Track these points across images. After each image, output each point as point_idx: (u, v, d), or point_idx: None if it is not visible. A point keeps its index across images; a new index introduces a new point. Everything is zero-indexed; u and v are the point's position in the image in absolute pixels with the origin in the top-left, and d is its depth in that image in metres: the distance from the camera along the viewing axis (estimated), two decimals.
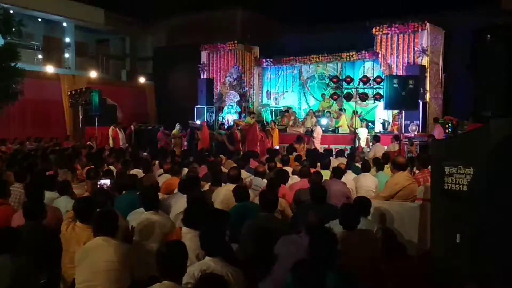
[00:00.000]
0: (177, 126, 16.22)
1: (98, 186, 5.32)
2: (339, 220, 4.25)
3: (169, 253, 3.05)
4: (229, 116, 18.02)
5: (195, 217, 4.19)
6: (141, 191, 4.89)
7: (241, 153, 12.25)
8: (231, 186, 6.06)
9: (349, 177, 7.52)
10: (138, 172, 8.11)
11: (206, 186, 6.62)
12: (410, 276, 5.34)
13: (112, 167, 8.63)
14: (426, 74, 14.21)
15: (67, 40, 22.23)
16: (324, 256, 3.39)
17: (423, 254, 5.98)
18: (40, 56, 21.38)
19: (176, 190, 6.61)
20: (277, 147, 13.93)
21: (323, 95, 17.58)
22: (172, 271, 2.99)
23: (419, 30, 14.29)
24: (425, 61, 14.26)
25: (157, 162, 9.68)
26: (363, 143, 14.00)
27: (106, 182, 5.42)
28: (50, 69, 19.67)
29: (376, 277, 4.05)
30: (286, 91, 19.00)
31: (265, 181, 6.90)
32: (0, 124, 16.09)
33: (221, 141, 15.43)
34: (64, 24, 21.85)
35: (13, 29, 14.28)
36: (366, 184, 7.41)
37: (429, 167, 6.96)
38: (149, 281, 3.88)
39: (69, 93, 18.77)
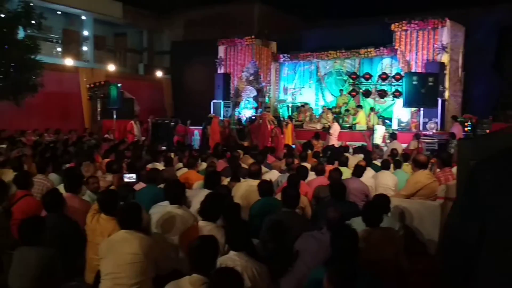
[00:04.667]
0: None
1: (124, 180, 5.37)
2: (362, 217, 4.24)
3: (201, 248, 3.07)
4: (246, 111, 18.03)
5: (213, 210, 4.22)
6: (166, 185, 4.92)
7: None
8: (251, 182, 6.08)
9: (368, 174, 7.50)
10: (156, 166, 8.15)
11: (225, 181, 6.64)
12: (430, 275, 5.32)
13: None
14: (445, 72, 14.05)
15: (86, 33, 22.37)
16: (346, 252, 3.39)
17: None
18: (59, 49, 21.53)
19: (195, 184, 6.68)
20: (294, 146, 13.81)
21: (341, 90, 17.49)
22: (202, 265, 3.01)
23: (439, 26, 14.12)
24: (444, 58, 14.10)
25: (173, 155, 9.76)
26: (379, 141, 13.91)
27: (132, 176, 5.46)
28: (69, 62, 19.81)
29: (398, 275, 4.04)
30: (303, 87, 18.95)
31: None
32: (20, 116, 16.28)
33: (232, 136, 15.48)
34: (83, 17, 21.98)
35: (34, 22, 14.42)
36: (385, 182, 7.38)
37: (452, 165, 6.95)
38: (171, 275, 3.94)
39: (87, 86, 18.92)
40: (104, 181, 6.56)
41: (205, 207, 4.27)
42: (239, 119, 17.29)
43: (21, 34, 14.61)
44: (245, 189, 5.87)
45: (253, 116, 17.18)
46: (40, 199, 4.82)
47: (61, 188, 5.35)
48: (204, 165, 8.30)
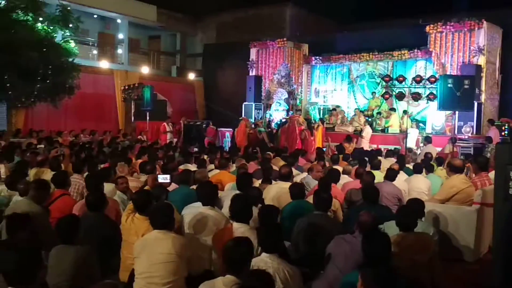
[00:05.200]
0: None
1: (158, 181, 5.47)
2: (397, 221, 4.18)
3: (235, 249, 3.10)
4: (277, 113, 18.05)
5: (243, 211, 4.23)
6: (199, 186, 4.97)
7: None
8: (282, 184, 6.09)
9: (401, 178, 7.40)
10: (188, 167, 8.24)
11: (256, 183, 6.65)
12: (466, 282, 5.22)
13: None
14: (482, 74, 13.70)
15: (121, 36, 22.82)
16: (377, 257, 3.35)
17: (479, 260, 5.82)
18: (95, 52, 22.03)
19: (227, 185, 6.72)
20: (324, 149, 13.69)
21: (373, 93, 17.30)
22: (236, 266, 3.04)
23: (476, 28, 13.78)
24: (481, 60, 13.75)
25: (206, 157, 9.84)
26: (412, 144, 13.68)
27: (166, 177, 5.55)
28: (104, 64, 20.25)
29: (432, 281, 3.97)
30: (335, 89, 18.82)
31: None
32: (57, 117, 16.78)
33: (261, 138, 15.50)
34: (118, 20, 22.42)
35: (71, 26, 14.80)
36: (418, 186, 7.27)
37: (488, 170, 6.79)
38: (204, 275, 3.99)
39: (122, 88, 19.30)
40: (138, 181, 6.69)
41: (234, 210, 4.28)
42: (269, 121, 17.33)
43: (58, 37, 15.03)
44: (276, 191, 5.87)
45: (283, 118, 17.19)
46: (85, 198, 4.95)
47: None
48: (234, 166, 8.34)
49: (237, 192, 5.36)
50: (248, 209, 4.30)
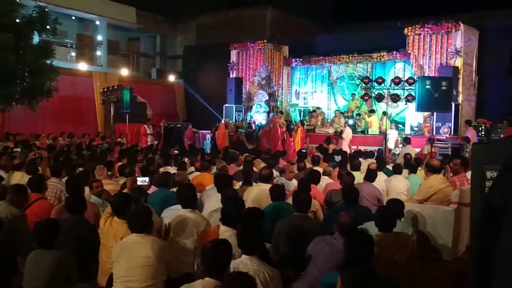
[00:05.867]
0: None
1: (137, 184, 5.40)
2: (375, 221, 4.21)
3: (214, 252, 3.08)
4: (258, 115, 18.06)
5: (232, 215, 4.20)
6: (179, 189, 4.93)
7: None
8: (263, 186, 6.08)
9: (380, 179, 7.45)
10: (168, 169, 8.17)
11: (237, 185, 6.63)
12: (445, 281, 5.28)
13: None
14: (459, 76, 13.93)
15: (99, 38, 22.58)
16: (362, 257, 3.36)
17: (457, 259, 5.90)
18: (73, 54, 21.74)
19: (207, 187, 6.69)
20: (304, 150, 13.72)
21: (353, 95, 17.45)
22: (215, 268, 3.02)
23: (453, 30, 13.99)
24: (458, 62, 13.97)
25: (186, 159, 9.78)
26: (392, 145, 13.83)
27: (145, 180, 5.50)
28: (83, 66, 20.00)
29: (411, 280, 4.00)
30: (315, 91, 18.92)
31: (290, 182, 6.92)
32: (34, 120, 16.48)
33: (241, 140, 15.50)
34: (97, 22, 22.19)
35: (48, 27, 14.55)
36: (398, 186, 7.34)
37: (467, 170, 6.89)
38: (183, 278, 3.95)
39: (101, 90, 19.08)
40: (117, 184, 6.61)
41: (225, 213, 4.23)
42: (250, 124, 17.33)
43: (36, 39, 14.77)
44: (256, 193, 5.86)
45: (264, 119, 17.24)
46: (65, 200, 4.88)
47: None
48: (215, 169, 8.32)
49: (217, 193, 5.34)
50: (239, 214, 4.26)
